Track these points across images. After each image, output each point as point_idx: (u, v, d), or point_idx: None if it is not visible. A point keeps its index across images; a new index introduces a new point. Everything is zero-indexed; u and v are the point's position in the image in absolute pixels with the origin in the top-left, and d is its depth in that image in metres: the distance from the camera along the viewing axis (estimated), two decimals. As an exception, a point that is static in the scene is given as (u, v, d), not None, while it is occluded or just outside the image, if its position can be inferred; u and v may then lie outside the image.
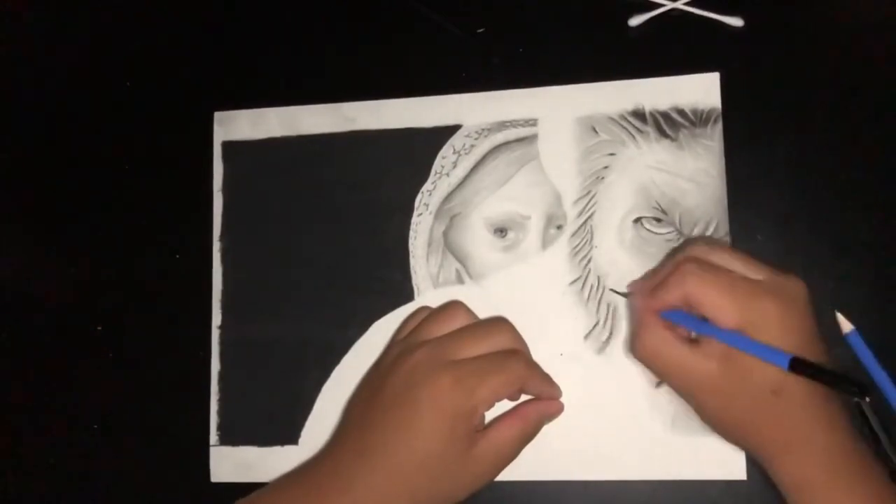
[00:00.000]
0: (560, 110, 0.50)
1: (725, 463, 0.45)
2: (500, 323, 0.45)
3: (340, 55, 0.53)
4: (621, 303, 0.48)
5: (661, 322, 0.41)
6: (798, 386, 0.38)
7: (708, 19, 0.49)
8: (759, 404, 0.38)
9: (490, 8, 0.52)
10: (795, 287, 0.39)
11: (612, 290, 0.47)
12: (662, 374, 0.41)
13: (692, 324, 0.40)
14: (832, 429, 0.38)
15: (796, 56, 0.48)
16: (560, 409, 0.46)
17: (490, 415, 0.43)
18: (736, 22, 0.48)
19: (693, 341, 0.40)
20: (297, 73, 0.53)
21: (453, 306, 0.46)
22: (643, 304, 0.41)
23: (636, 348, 0.41)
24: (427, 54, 0.52)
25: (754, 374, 0.38)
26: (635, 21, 0.49)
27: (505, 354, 0.43)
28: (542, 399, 0.45)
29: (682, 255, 0.41)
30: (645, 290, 0.42)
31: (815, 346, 0.39)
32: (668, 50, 0.49)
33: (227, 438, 0.51)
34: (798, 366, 0.37)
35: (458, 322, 0.45)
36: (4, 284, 0.55)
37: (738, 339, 0.38)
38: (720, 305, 0.38)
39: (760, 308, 0.38)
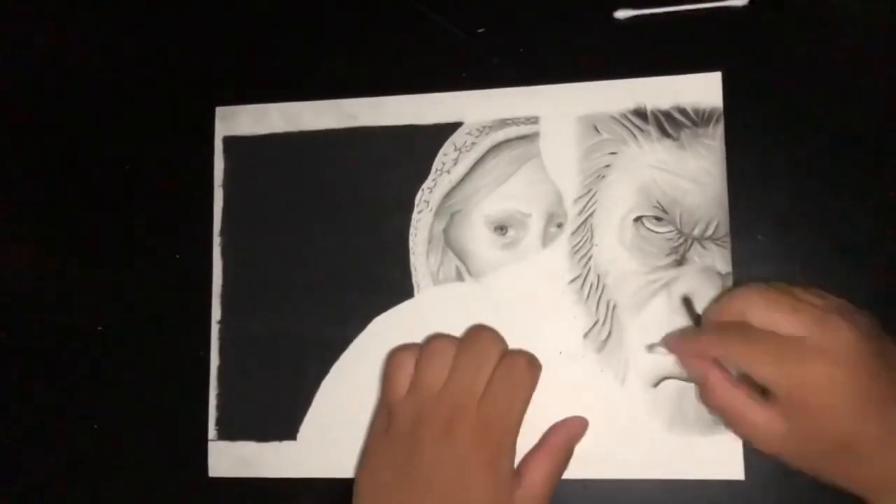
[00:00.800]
0: (562, 108, 0.50)
1: (724, 463, 0.45)
2: (480, 333, 0.44)
3: (342, 52, 0.53)
4: (621, 301, 0.48)
5: (727, 375, 0.40)
6: (870, 437, 0.37)
7: (710, 10, 0.49)
8: (834, 460, 0.38)
9: (490, 8, 0.52)
10: (841, 336, 0.38)
11: (651, 348, 0.46)
12: (734, 427, 0.41)
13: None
14: None
15: (799, 55, 0.48)
16: (585, 424, 0.46)
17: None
18: (739, 1, 0.48)
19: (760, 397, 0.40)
20: (298, 70, 0.53)
21: (436, 343, 0.44)
22: (687, 345, 0.42)
23: (709, 403, 0.41)
24: (428, 54, 0.52)
25: (819, 431, 0.38)
26: (621, 14, 0.49)
27: (507, 367, 0.43)
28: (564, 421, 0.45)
29: (733, 304, 0.41)
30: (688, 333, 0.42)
31: (881, 384, 0.37)
32: (669, 48, 0.49)
33: (226, 433, 0.51)
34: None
35: (448, 356, 0.43)
36: (3, 283, 0.55)
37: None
38: (788, 319, 0.38)
39: (803, 365, 0.38)
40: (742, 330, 0.39)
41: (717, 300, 0.43)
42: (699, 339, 0.42)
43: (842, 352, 0.37)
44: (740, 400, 0.39)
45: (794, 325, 0.38)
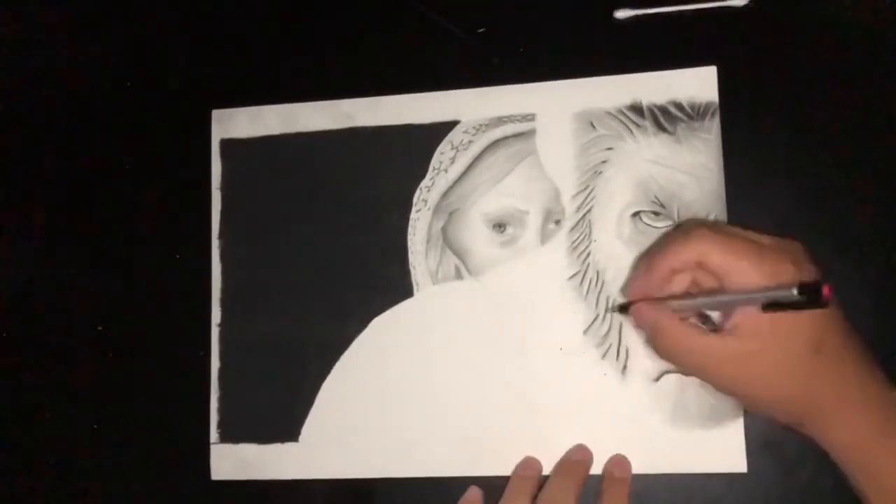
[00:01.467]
0: (558, 105, 0.50)
1: (727, 456, 0.45)
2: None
3: (339, 53, 0.53)
4: (621, 299, 0.48)
5: (676, 317, 0.40)
6: (836, 336, 0.38)
7: (710, 10, 0.49)
8: (803, 368, 0.38)
9: (490, 8, 0.52)
10: (797, 246, 0.40)
11: (616, 307, 0.47)
12: (696, 368, 0.41)
13: (704, 303, 0.40)
14: (874, 381, 0.39)
15: (794, 50, 0.48)
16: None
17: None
18: (740, 1, 0.48)
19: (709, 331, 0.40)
20: (295, 71, 0.53)
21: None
22: (645, 286, 0.42)
23: (662, 349, 0.41)
24: (426, 53, 0.52)
25: (793, 340, 0.38)
26: (621, 14, 0.50)
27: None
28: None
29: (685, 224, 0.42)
30: (644, 281, 0.42)
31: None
32: (669, 47, 0.49)
33: (228, 436, 0.51)
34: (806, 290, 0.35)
35: None
36: (4, 284, 0.55)
37: (769, 291, 0.37)
38: (741, 266, 0.38)
39: (780, 265, 0.38)
40: (712, 228, 0.40)
41: (663, 244, 0.42)
42: (667, 250, 0.41)
43: (804, 257, 0.39)
44: (699, 332, 0.40)
45: (758, 237, 0.40)
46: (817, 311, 0.37)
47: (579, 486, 0.45)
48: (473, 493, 0.47)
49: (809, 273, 0.38)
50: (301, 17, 0.54)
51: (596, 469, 0.47)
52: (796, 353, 0.38)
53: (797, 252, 0.39)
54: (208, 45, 0.54)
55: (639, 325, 0.43)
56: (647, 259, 0.43)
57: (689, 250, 0.40)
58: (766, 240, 0.40)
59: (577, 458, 0.47)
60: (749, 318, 0.38)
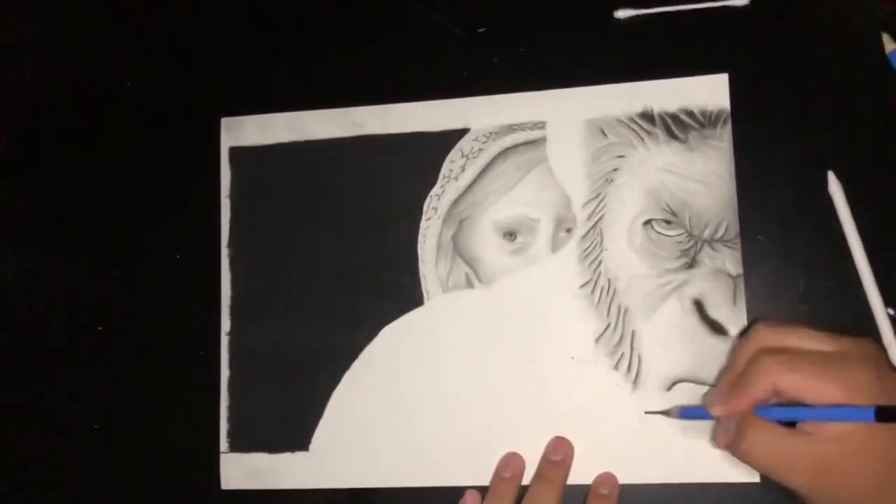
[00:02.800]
0: (568, 113, 0.50)
1: (739, 466, 0.45)
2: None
3: (348, 60, 0.53)
4: (632, 305, 0.48)
5: (760, 418, 0.40)
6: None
7: (710, 10, 0.49)
8: (884, 480, 0.38)
9: (490, 7, 0.52)
10: (869, 348, 0.39)
11: (680, 413, 0.45)
12: (775, 470, 0.40)
13: (793, 412, 0.39)
14: None
15: (802, 55, 0.48)
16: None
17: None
18: (741, 1, 0.48)
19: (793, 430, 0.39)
20: (304, 79, 0.53)
21: None
22: (728, 409, 0.41)
23: (743, 450, 0.40)
24: (428, 55, 0.52)
25: (873, 450, 0.37)
26: (622, 14, 0.49)
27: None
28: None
29: (748, 345, 0.41)
30: (723, 397, 0.41)
31: None
32: (670, 47, 0.49)
33: (237, 445, 0.50)
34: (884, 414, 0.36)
35: None
36: (6, 288, 0.55)
37: (846, 411, 0.37)
38: (817, 386, 0.38)
39: (860, 376, 0.38)
40: (776, 357, 0.39)
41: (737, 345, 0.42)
42: (728, 378, 0.41)
43: (879, 361, 0.39)
44: (783, 431, 0.39)
45: (826, 343, 0.39)
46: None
47: (560, 489, 0.45)
48: (473, 498, 0.47)
49: (887, 371, 0.38)
50: (310, 25, 0.54)
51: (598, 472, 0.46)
52: (876, 463, 0.38)
53: (868, 351, 0.39)
54: (217, 54, 0.54)
55: (720, 434, 0.42)
56: (725, 384, 0.42)
57: (763, 386, 0.39)
58: (837, 345, 0.39)
59: (557, 458, 0.46)
60: (834, 427, 0.38)
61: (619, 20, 0.50)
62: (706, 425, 0.46)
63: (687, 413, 0.45)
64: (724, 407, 0.41)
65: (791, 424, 0.40)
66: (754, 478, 0.45)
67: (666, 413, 0.45)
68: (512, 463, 0.47)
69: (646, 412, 0.46)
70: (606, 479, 0.46)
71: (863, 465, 0.38)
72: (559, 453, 0.46)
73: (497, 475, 0.47)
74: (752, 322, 0.46)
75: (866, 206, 0.46)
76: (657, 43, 0.49)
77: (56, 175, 0.55)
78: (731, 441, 0.41)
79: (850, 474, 0.38)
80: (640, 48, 0.49)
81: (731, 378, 0.41)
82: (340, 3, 0.53)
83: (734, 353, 0.43)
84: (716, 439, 0.43)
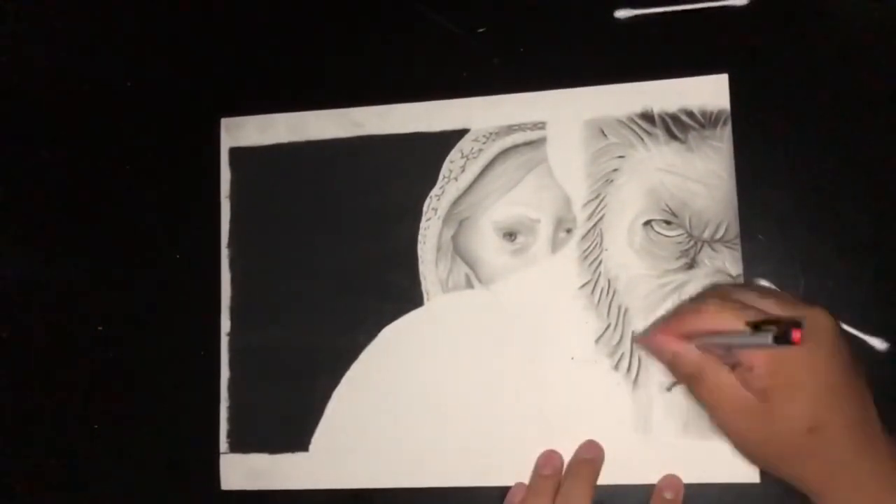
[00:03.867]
0: (568, 113, 0.50)
1: (739, 466, 0.45)
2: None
3: (344, 58, 0.53)
4: (632, 305, 0.48)
5: (695, 349, 0.40)
6: (834, 421, 0.38)
7: (710, 10, 0.49)
8: (798, 440, 0.38)
9: (490, 7, 0.52)
10: (820, 319, 0.39)
11: (634, 341, 0.47)
12: (710, 403, 0.40)
13: (725, 340, 0.39)
14: (876, 461, 0.38)
15: (802, 56, 0.48)
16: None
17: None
18: (740, 1, 0.48)
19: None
20: (304, 79, 0.53)
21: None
22: (664, 330, 0.41)
23: (682, 379, 0.41)
24: (428, 55, 0.52)
25: (788, 412, 0.38)
26: (622, 13, 0.49)
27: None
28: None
29: (705, 293, 0.42)
30: (668, 329, 0.41)
31: (850, 377, 0.38)
32: (670, 47, 0.49)
33: (237, 446, 0.50)
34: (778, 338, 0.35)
35: None
36: (8, 290, 0.55)
37: (749, 338, 0.37)
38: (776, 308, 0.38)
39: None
40: (723, 303, 0.39)
41: (685, 312, 0.41)
42: (688, 317, 0.41)
43: (822, 334, 0.38)
44: (713, 364, 0.39)
45: (780, 308, 0.39)
46: (820, 391, 0.37)
47: (592, 485, 0.45)
48: (521, 490, 0.47)
49: (826, 346, 0.38)
50: (310, 26, 0.54)
51: (605, 477, 0.46)
52: (792, 428, 0.38)
53: (817, 327, 0.38)
54: (217, 54, 0.54)
55: (656, 348, 0.42)
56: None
57: (704, 323, 0.39)
58: (787, 310, 0.39)
59: (588, 456, 0.46)
60: (761, 381, 0.38)
61: (619, 20, 0.50)
62: (703, 428, 0.46)
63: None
64: (662, 330, 0.41)
65: None
66: (754, 478, 0.45)
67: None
68: (551, 460, 0.47)
69: (667, 388, 0.46)
70: (671, 482, 0.46)
71: (781, 427, 0.38)
72: (591, 452, 0.47)
73: (536, 472, 0.47)
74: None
75: (867, 207, 0.46)
76: (657, 43, 0.49)
77: (56, 175, 0.55)
78: (673, 372, 0.41)
79: (769, 433, 0.39)
80: (640, 48, 0.50)
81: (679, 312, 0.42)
82: (340, 3, 0.53)
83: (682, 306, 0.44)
84: (651, 349, 0.43)
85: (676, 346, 0.40)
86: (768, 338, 0.35)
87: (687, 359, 0.40)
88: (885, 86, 0.47)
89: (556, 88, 0.50)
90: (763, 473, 0.45)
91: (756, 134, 0.48)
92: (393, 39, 0.53)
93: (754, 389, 0.38)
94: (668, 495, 0.45)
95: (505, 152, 0.50)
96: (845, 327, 0.45)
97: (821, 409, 0.38)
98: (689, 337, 0.40)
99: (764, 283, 0.47)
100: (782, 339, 0.35)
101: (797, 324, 0.35)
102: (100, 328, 0.53)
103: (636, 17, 0.50)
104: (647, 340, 0.43)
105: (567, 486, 0.45)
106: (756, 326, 0.38)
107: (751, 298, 0.40)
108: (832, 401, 0.38)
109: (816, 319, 0.38)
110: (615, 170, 0.49)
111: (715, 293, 0.41)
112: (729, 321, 0.38)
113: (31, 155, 0.56)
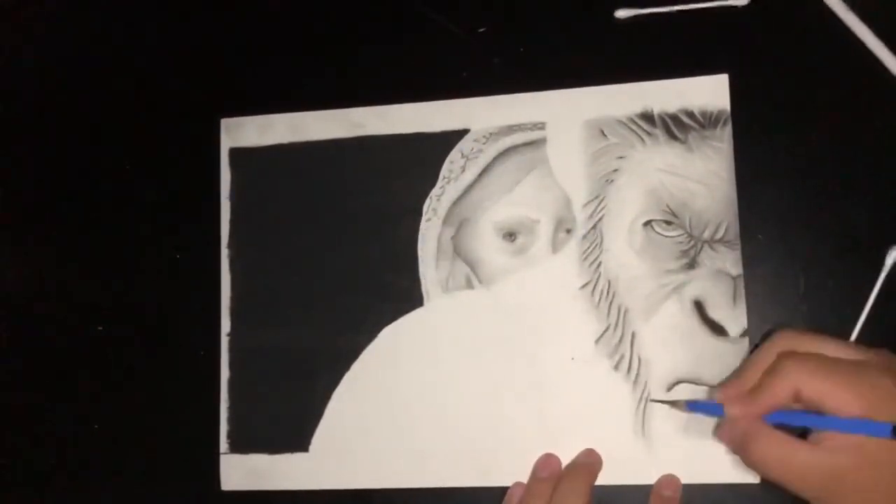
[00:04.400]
0: (568, 113, 0.50)
1: (739, 466, 0.45)
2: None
3: (348, 61, 0.53)
4: (632, 306, 0.48)
5: (771, 427, 0.39)
6: None
7: (710, 10, 0.48)
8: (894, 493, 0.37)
9: (490, 7, 0.52)
10: (890, 357, 0.38)
11: (688, 406, 0.45)
12: (786, 480, 0.39)
13: (809, 420, 0.39)
14: None
15: (802, 55, 0.48)
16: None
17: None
18: (740, 1, 0.48)
19: (805, 440, 0.39)
20: (303, 80, 0.53)
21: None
22: (745, 411, 0.40)
23: (753, 459, 0.40)
24: (429, 55, 0.52)
25: (887, 464, 0.37)
26: (622, 13, 0.49)
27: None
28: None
29: (771, 348, 0.40)
30: (741, 397, 0.41)
31: None
32: (671, 47, 0.49)
33: (237, 446, 0.50)
34: None
35: None
36: (8, 292, 0.55)
37: (864, 425, 0.37)
38: (838, 394, 0.37)
39: (880, 387, 0.37)
40: (801, 359, 0.39)
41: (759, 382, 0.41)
42: (745, 377, 0.41)
43: None
44: (794, 443, 0.39)
45: (849, 352, 0.39)
46: None
47: (589, 487, 0.45)
48: (520, 489, 0.47)
49: None
50: (309, 26, 0.54)
51: (604, 478, 0.46)
52: (890, 476, 0.37)
53: (892, 367, 0.38)
54: (216, 55, 0.54)
55: (728, 433, 0.42)
56: (740, 383, 0.42)
57: (785, 389, 0.39)
58: (858, 354, 0.39)
59: (586, 461, 0.46)
60: (849, 437, 0.37)
61: (619, 20, 0.50)
62: (708, 425, 0.46)
63: (696, 406, 0.44)
64: (741, 407, 0.40)
65: (802, 434, 0.39)
66: (754, 479, 0.45)
67: (672, 404, 0.45)
68: (549, 464, 0.47)
69: (651, 400, 0.46)
70: (670, 481, 0.46)
71: (876, 478, 0.37)
72: (589, 458, 0.47)
73: (533, 476, 0.47)
74: (775, 327, 0.45)
75: (867, 206, 0.46)
76: (657, 43, 0.49)
77: (56, 175, 0.55)
78: (740, 447, 0.41)
79: (862, 487, 0.37)
80: (640, 48, 0.49)
81: (750, 376, 0.41)
82: (340, 3, 0.53)
83: (756, 352, 0.42)
84: (720, 435, 0.42)
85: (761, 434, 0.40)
86: (887, 430, 0.35)
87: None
88: (885, 86, 0.47)
89: (557, 88, 0.50)
90: (763, 474, 0.45)
91: (756, 134, 0.48)
92: (393, 39, 0.53)
93: (845, 450, 0.37)
94: (667, 493, 0.45)
95: (505, 152, 0.50)
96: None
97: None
98: (778, 405, 0.39)
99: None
100: None
101: None
102: (100, 328, 0.53)
103: (636, 16, 0.50)
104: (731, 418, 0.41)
105: (563, 488, 0.45)
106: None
107: (819, 346, 0.39)
108: None
109: (887, 359, 0.38)
110: (615, 170, 0.49)
111: (787, 352, 0.40)
112: (831, 388, 0.37)
113: (31, 155, 0.56)
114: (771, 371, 0.40)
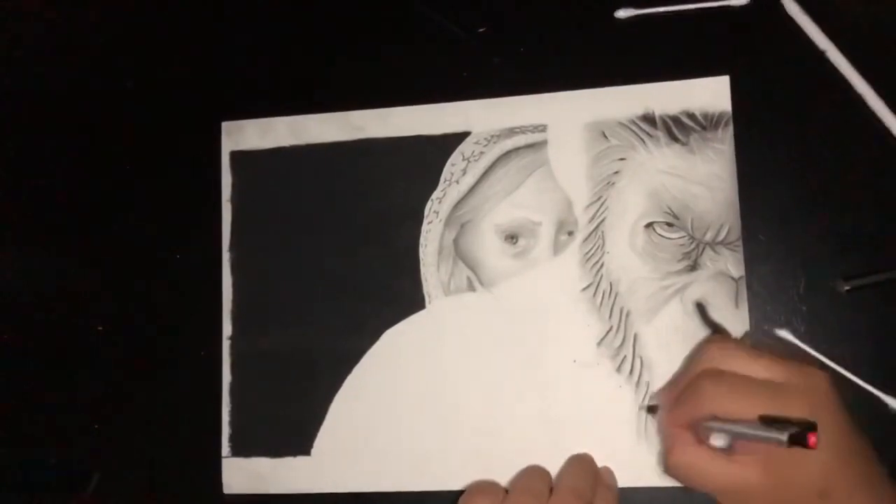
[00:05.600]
0: (569, 116, 0.50)
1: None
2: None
3: (348, 63, 0.53)
4: (634, 308, 0.48)
5: (691, 437, 0.39)
6: (844, 484, 0.37)
7: (710, 10, 0.48)
8: None
9: (490, 7, 0.52)
10: (817, 382, 0.38)
11: (648, 406, 0.46)
12: (701, 488, 0.39)
13: (722, 427, 0.39)
14: None
15: (803, 56, 0.48)
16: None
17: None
18: (740, 0, 0.48)
19: (726, 452, 0.39)
20: (304, 82, 0.53)
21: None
22: (668, 419, 0.41)
23: (670, 466, 0.40)
24: (429, 55, 0.52)
25: (797, 479, 0.37)
26: (622, 13, 0.49)
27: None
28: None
29: (696, 366, 0.41)
30: (669, 403, 0.41)
31: (849, 437, 0.38)
32: (671, 47, 0.49)
33: (240, 450, 0.50)
34: (794, 438, 0.35)
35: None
36: (8, 295, 0.55)
37: (763, 429, 0.36)
38: (747, 417, 0.37)
39: (792, 411, 0.37)
40: (714, 381, 0.39)
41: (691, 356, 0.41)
42: (676, 385, 0.42)
43: (822, 398, 0.38)
44: (708, 455, 0.39)
45: (774, 372, 0.38)
46: (826, 457, 0.37)
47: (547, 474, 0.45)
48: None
49: (827, 409, 0.37)
50: (309, 29, 0.53)
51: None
52: (802, 496, 0.37)
53: (812, 387, 0.38)
54: (216, 58, 0.54)
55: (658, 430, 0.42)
56: (670, 391, 0.42)
57: (699, 408, 0.39)
58: (784, 374, 0.38)
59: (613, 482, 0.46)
60: (753, 448, 0.37)
61: (619, 20, 0.50)
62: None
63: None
64: (667, 414, 0.41)
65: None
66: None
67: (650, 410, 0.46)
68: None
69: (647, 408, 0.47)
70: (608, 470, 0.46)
71: (788, 497, 0.38)
72: (608, 473, 0.47)
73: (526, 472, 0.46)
74: (707, 337, 0.45)
75: (867, 206, 0.46)
76: (658, 43, 0.49)
77: (57, 180, 0.55)
78: (664, 451, 0.41)
79: (771, 499, 0.38)
80: (640, 49, 0.49)
81: (675, 392, 0.41)
82: (339, 5, 0.53)
83: (687, 362, 0.43)
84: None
85: (685, 443, 0.40)
86: (783, 437, 0.35)
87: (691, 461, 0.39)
88: (885, 85, 0.47)
89: (557, 88, 0.50)
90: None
91: (758, 135, 0.48)
92: (393, 40, 0.53)
93: (755, 464, 0.38)
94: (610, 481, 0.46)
95: (506, 155, 0.50)
96: (849, 376, 0.45)
97: (828, 472, 0.37)
98: (693, 420, 0.39)
99: (742, 336, 0.46)
100: (797, 440, 0.34)
101: (812, 426, 0.34)
102: (100, 328, 0.53)
103: (637, 17, 0.50)
104: (660, 423, 0.42)
105: (568, 474, 0.45)
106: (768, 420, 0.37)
107: (744, 365, 0.39)
108: (838, 460, 0.37)
109: (813, 381, 0.38)
110: (616, 172, 0.49)
111: (707, 370, 0.40)
112: (740, 410, 0.37)
113: (32, 158, 0.56)
114: (689, 388, 0.40)
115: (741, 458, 0.38)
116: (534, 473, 0.45)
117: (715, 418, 0.38)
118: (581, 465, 0.45)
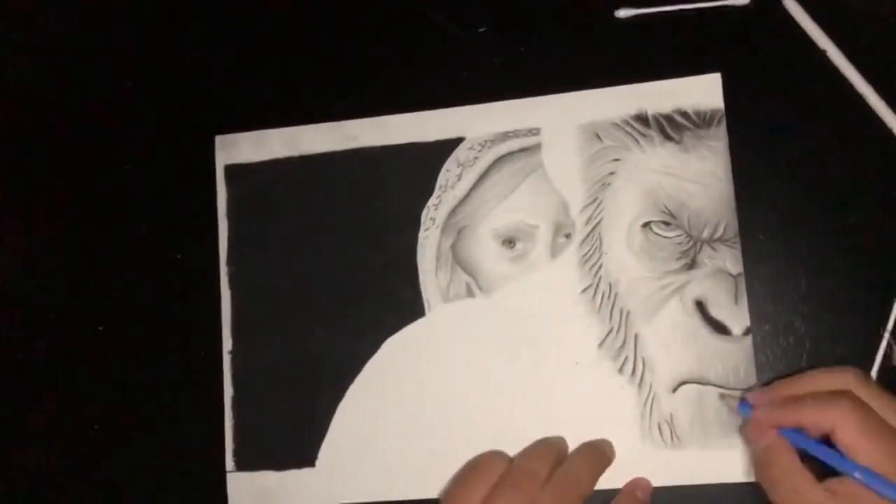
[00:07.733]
0: (562, 118, 0.50)
1: (746, 466, 0.45)
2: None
3: (340, 74, 0.53)
4: (634, 308, 0.47)
5: (795, 454, 0.39)
6: None
7: (711, 10, 0.49)
8: None
9: (490, 7, 0.52)
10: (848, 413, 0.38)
11: (742, 397, 0.44)
12: (781, 500, 0.39)
13: (826, 455, 0.39)
14: None
15: (799, 54, 0.48)
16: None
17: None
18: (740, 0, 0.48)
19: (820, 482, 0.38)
20: (295, 94, 0.53)
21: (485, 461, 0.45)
22: (777, 417, 0.40)
23: (766, 476, 0.40)
24: (428, 55, 0.52)
25: None
26: (623, 13, 0.49)
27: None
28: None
29: (831, 379, 0.40)
30: (775, 402, 0.41)
31: None
32: (671, 47, 0.49)
33: (244, 464, 0.50)
34: None
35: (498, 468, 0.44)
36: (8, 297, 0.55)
37: (878, 480, 0.36)
38: (870, 452, 0.37)
39: None
40: (856, 409, 0.38)
41: (805, 401, 0.40)
42: (788, 387, 0.41)
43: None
44: (807, 478, 0.38)
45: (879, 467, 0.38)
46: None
47: (596, 470, 0.45)
48: None
49: None
50: (300, 40, 0.53)
51: (607, 481, 0.46)
52: None
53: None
54: (207, 72, 0.54)
55: (751, 436, 0.42)
56: (784, 389, 0.42)
57: (823, 419, 0.38)
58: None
59: (601, 445, 0.46)
60: (849, 485, 0.37)
61: (619, 20, 0.50)
62: (712, 427, 0.46)
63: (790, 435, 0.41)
64: (772, 414, 0.40)
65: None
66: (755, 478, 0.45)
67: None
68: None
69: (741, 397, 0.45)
70: (642, 483, 0.46)
71: None
72: (604, 443, 0.47)
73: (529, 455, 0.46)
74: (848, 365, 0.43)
75: (866, 206, 0.46)
76: (658, 43, 0.49)
77: (52, 195, 0.55)
78: (759, 458, 0.41)
79: None
80: (641, 48, 0.49)
81: (794, 389, 0.41)
82: (332, 11, 0.53)
83: (816, 372, 0.42)
84: (743, 432, 0.43)
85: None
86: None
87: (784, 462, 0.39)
88: (883, 84, 0.47)
89: (557, 88, 0.50)
90: (748, 475, 0.45)
91: (755, 132, 0.48)
92: (392, 40, 0.52)
93: (842, 495, 0.37)
94: (640, 494, 0.45)
95: (500, 159, 0.50)
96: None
97: None
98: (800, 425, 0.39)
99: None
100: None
101: None
102: (100, 328, 0.53)
103: (637, 16, 0.50)
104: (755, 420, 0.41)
105: (572, 463, 0.45)
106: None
107: (882, 405, 0.38)
108: None
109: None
110: (611, 173, 0.49)
111: (848, 392, 0.39)
112: (867, 448, 0.37)
113: (26, 171, 0.56)
114: (823, 398, 0.39)
115: (844, 497, 0.37)
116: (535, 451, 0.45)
117: (828, 439, 0.38)
118: (541, 445, 0.45)
